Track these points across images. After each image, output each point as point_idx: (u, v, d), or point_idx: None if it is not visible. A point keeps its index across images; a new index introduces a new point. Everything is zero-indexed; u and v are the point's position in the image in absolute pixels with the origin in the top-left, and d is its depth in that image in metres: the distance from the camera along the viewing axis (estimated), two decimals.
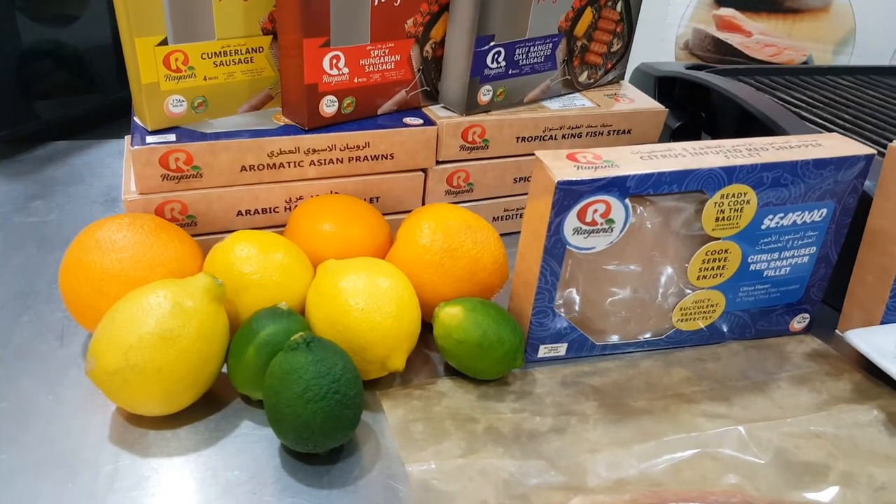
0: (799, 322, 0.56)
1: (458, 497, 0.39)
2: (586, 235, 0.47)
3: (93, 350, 0.43)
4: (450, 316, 0.49)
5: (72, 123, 0.85)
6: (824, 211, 0.51)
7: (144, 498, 0.40)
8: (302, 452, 0.43)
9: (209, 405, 0.47)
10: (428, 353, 0.53)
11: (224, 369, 0.47)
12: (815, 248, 0.52)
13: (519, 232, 0.53)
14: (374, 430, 0.45)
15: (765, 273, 0.52)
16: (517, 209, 0.68)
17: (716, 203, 0.48)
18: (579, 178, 0.44)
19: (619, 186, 0.45)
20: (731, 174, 0.47)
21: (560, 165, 0.45)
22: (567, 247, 0.47)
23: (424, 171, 0.62)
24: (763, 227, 0.50)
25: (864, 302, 0.55)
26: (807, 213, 0.50)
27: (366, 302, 0.46)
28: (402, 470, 0.42)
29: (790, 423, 0.46)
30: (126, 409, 0.45)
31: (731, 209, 0.48)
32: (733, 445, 0.44)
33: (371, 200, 0.61)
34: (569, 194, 0.45)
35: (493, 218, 0.67)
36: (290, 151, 0.57)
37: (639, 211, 0.47)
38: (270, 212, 0.59)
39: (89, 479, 0.41)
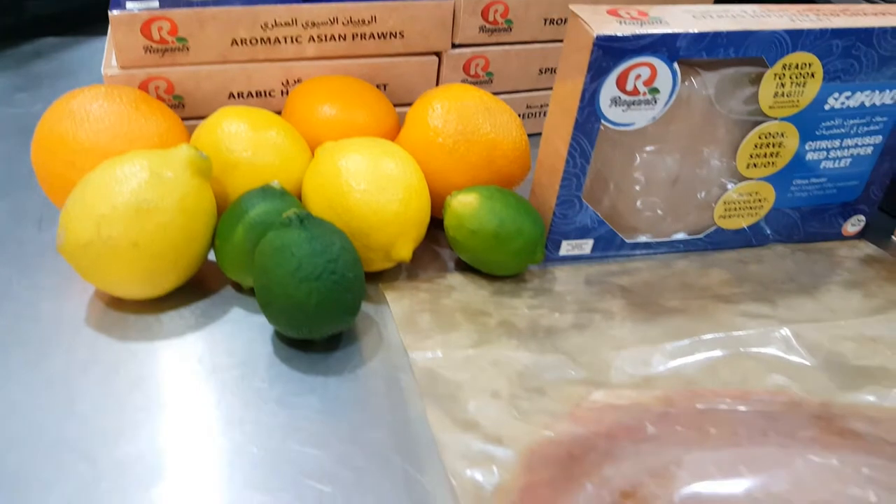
0: (853, 225, 0.50)
1: (466, 386, 0.35)
2: (626, 108, 0.41)
3: (63, 222, 0.38)
4: (463, 204, 0.44)
5: (61, 18, 0.79)
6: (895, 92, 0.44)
7: (119, 382, 0.36)
8: (297, 340, 0.39)
9: (196, 291, 0.42)
10: (437, 249, 0.48)
11: (212, 255, 0.43)
12: (881, 137, 0.46)
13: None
14: (376, 322, 0.41)
15: (822, 164, 0.46)
16: (541, 106, 0.62)
17: (776, 75, 0.41)
18: (622, 34, 0.38)
19: (667, 46, 0.39)
20: (796, 39, 0.40)
21: (600, 20, 0.39)
22: (602, 121, 0.41)
23: (438, 55, 0.56)
24: (826, 107, 0.43)
25: None
26: (877, 93, 0.44)
27: (368, 183, 0.41)
28: (406, 361, 0.38)
29: (842, 325, 0.41)
30: (105, 291, 0.41)
31: (792, 83, 0.42)
32: (778, 346, 0.39)
33: (378, 88, 0.56)
34: (609, 53, 0.38)
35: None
36: (287, 24, 0.50)
37: (686, 83, 0.41)
38: (266, 95, 0.53)
39: (62, 363, 0.37)
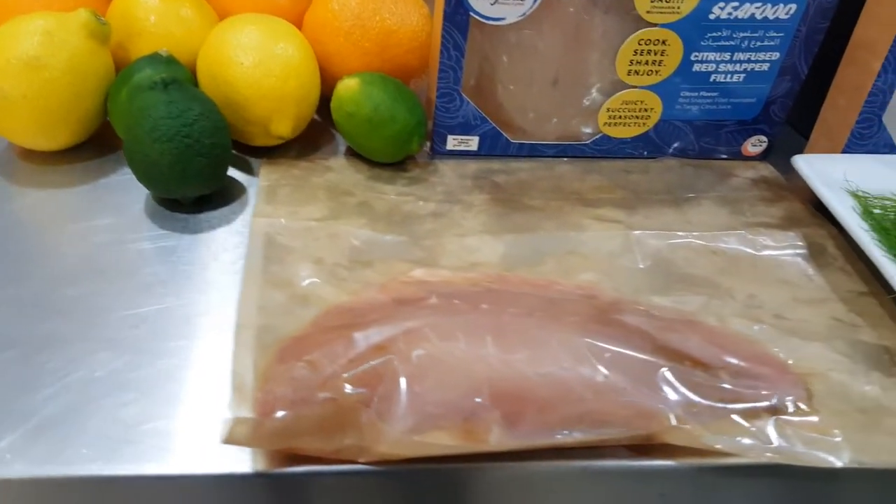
0: (754, 145, 0.50)
1: (295, 252, 0.38)
2: (493, 1, 0.41)
3: None
4: (345, 87, 0.45)
5: None
6: (792, 7, 0.43)
7: None
8: (168, 200, 0.43)
9: (94, 149, 0.47)
10: (336, 133, 0.51)
11: None
12: (778, 54, 0.45)
13: None
14: (248, 192, 0.44)
15: (712, 77, 0.45)
16: None
17: None
18: None
19: None
20: None
21: None
22: (471, 13, 0.42)
23: None
24: (711, 16, 0.42)
25: (831, 128, 0.48)
26: (769, 6, 0.42)
27: (249, 58, 0.43)
28: None
29: (690, 237, 0.42)
30: (11, 141, 0.45)
31: None
32: (613, 249, 0.41)
33: None
34: None
35: None
36: None
37: None
38: None
39: None
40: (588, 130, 0.48)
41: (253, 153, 0.48)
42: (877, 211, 0.42)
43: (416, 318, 0.32)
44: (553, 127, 0.48)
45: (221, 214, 0.42)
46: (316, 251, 0.38)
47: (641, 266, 0.40)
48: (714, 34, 0.43)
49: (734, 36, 0.43)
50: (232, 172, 0.46)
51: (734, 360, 0.32)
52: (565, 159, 0.49)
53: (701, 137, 0.49)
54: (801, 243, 0.43)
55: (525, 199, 0.45)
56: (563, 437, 0.29)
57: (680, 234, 0.42)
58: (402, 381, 0.29)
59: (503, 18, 0.42)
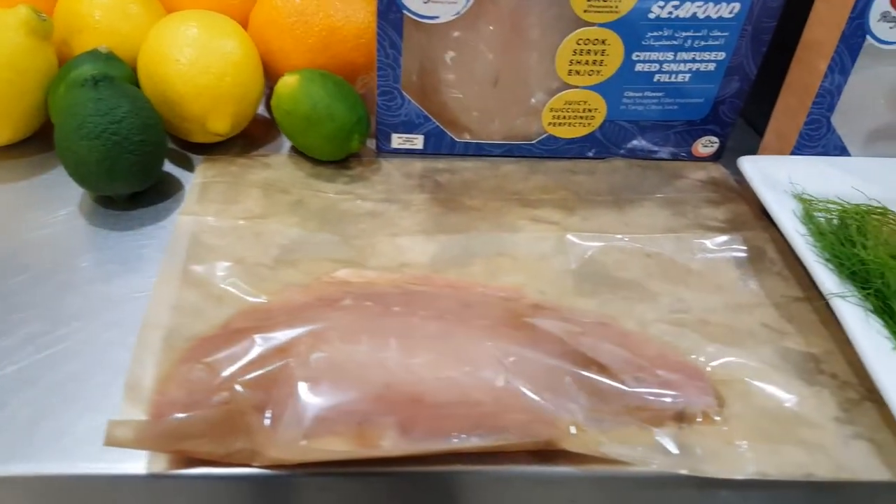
0: (705, 146, 0.49)
1: (217, 251, 0.38)
2: None
3: None
4: (284, 85, 0.45)
5: None
6: (736, 6, 0.42)
7: None
8: (103, 197, 0.43)
9: (37, 145, 0.47)
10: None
11: None
12: (724, 54, 0.44)
13: None
14: (185, 189, 0.44)
15: (656, 77, 0.45)
16: None
17: None
18: None
19: None
20: None
21: None
22: (404, 11, 0.41)
23: None
24: (651, 15, 0.42)
25: (782, 129, 0.47)
26: (711, 5, 0.42)
27: (185, 55, 0.43)
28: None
29: (626, 239, 0.41)
30: None
31: None
32: (545, 250, 0.40)
33: None
34: None
35: None
36: None
37: None
38: None
39: None
40: (534, 130, 0.47)
41: (195, 150, 0.48)
42: (819, 214, 0.41)
43: (323, 320, 0.32)
44: (498, 126, 0.48)
45: (155, 211, 0.42)
46: (239, 251, 0.38)
47: (571, 268, 0.39)
48: (656, 34, 0.42)
49: (677, 35, 0.43)
50: (173, 169, 0.46)
51: (645, 366, 0.32)
52: (512, 159, 0.49)
53: (649, 138, 0.48)
54: (740, 247, 0.42)
55: (465, 200, 0.45)
56: (459, 443, 0.28)
57: (616, 236, 0.42)
58: (297, 386, 0.29)
59: (437, 17, 0.41)
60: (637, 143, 0.48)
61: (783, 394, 0.33)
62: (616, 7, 0.41)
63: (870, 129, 0.46)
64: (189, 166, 0.46)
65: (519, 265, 0.39)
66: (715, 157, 0.50)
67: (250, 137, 0.49)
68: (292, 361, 0.29)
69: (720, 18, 0.42)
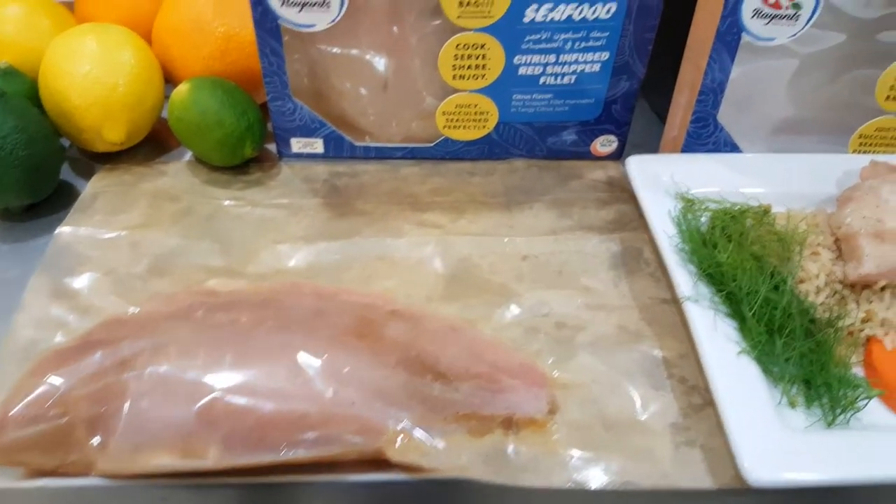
0: (603, 145, 0.49)
1: (90, 262, 0.39)
2: (300, 8, 0.41)
3: None
4: (176, 93, 0.46)
5: None
6: (612, 6, 0.42)
7: None
8: (2, 210, 0.44)
9: None
10: None
11: None
12: (607, 53, 0.44)
13: None
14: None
15: (541, 80, 0.45)
16: None
17: None
18: None
19: None
20: None
21: None
22: (278, 20, 0.42)
23: None
24: (526, 19, 0.42)
25: (675, 127, 0.47)
26: (587, 6, 0.41)
27: (79, 67, 0.44)
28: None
29: (504, 242, 0.42)
30: None
31: None
32: (422, 255, 0.41)
33: None
34: None
35: None
36: None
37: None
38: None
39: None
40: (431, 133, 0.48)
41: (101, 159, 0.49)
42: (699, 214, 0.41)
43: (167, 333, 0.33)
44: (396, 129, 0.48)
45: (48, 222, 0.43)
46: (112, 261, 0.39)
47: (443, 273, 0.40)
48: (534, 37, 0.43)
49: (555, 38, 0.43)
50: (76, 180, 0.47)
51: (484, 372, 0.32)
52: (414, 161, 0.49)
53: (546, 139, 0.48)
54: (617, 248, 0.42)
55: (358, 204, 0.45)
56: (285, 454, 0.29)
57: (499, 238, 0.42)
58: (129, 400, 0.30)
59: (314, 25, 0.42)
60: (534, 143, 0.48)
61: (624, 399, 0.33)
62: (489, 12, 0.41)
63: (761, 124, 0.46)
64: (92, 176, 0.47)
65: (394, 270, 0.40)
66: (617, 156, 0.50)
67: (153, 144, 0.50)
68: (127, 376, 0.30)
69: (597, 19, 0.42)
